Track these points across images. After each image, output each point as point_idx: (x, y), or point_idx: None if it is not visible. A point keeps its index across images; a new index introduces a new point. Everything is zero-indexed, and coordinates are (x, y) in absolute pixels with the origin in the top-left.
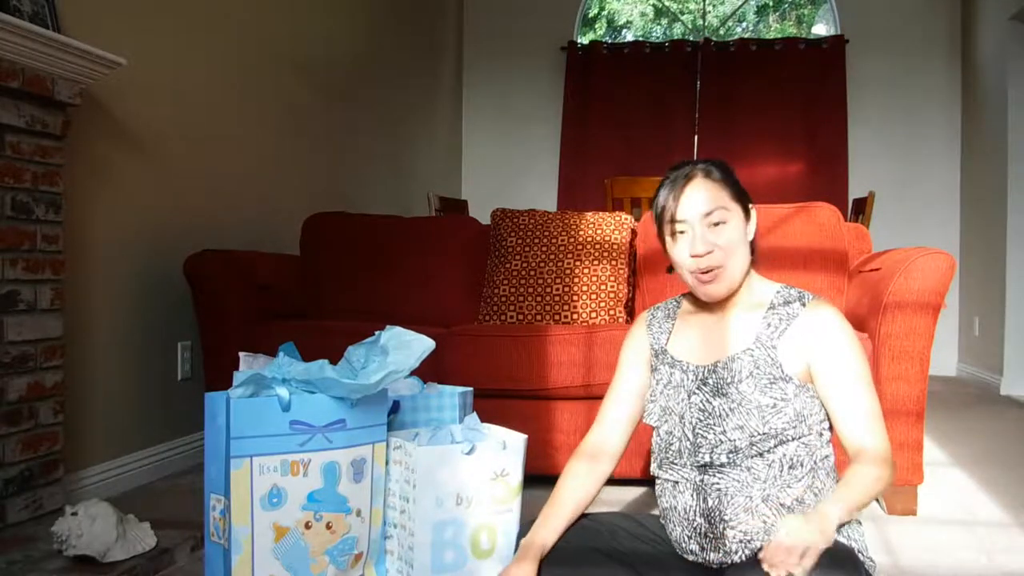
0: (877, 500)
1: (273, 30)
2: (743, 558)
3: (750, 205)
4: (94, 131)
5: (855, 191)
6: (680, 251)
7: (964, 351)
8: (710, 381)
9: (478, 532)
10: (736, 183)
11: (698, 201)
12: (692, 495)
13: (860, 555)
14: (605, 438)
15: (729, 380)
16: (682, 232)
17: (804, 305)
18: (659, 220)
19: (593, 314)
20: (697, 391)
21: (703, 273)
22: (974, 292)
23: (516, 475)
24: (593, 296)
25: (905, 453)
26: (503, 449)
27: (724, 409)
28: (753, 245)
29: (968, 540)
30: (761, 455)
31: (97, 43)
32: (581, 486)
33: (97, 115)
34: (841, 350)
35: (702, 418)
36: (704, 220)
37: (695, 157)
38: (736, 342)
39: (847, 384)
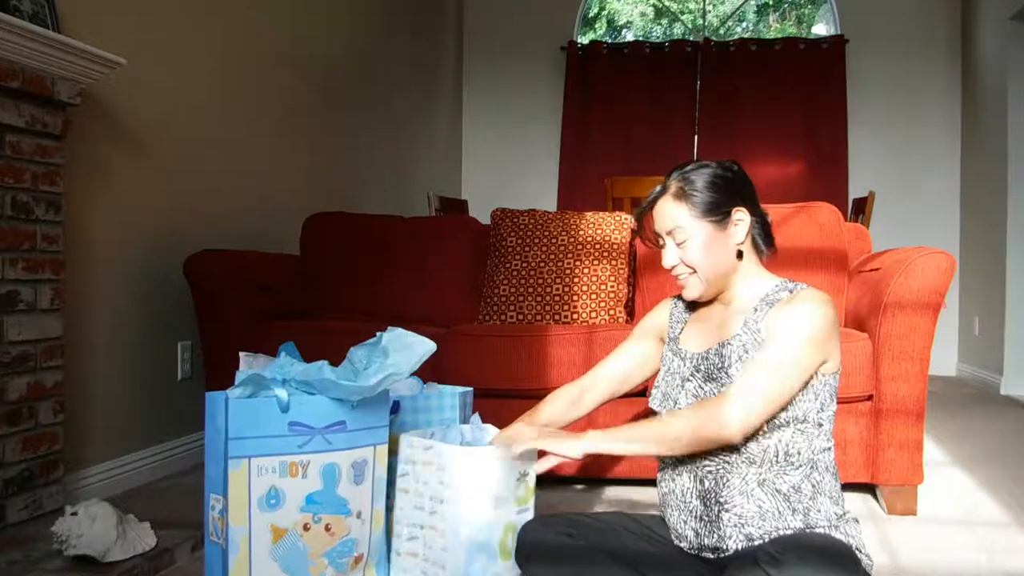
0: (877, 500)
1: (273, 30)
2: (738, 544)
3: (735, 210)
4: (94, 131)
5: (855, 191)
6: (662, 258)
7: (964, 351)
8: (702, 367)
9: (505, 533)
10: (711, 195)
11: (661, 219)
12: (689, 478)
13: (857, 552)
14: (595, 383)
15: (720, 365)
16: (663, 245)
17: (792, 293)
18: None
19: (593, 314)
20: (691, 378)
21: (677, 279)
22: (974, 292)
23: (533, 475)
24: (593, 296)
25: (905, 453)
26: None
27: (713, 393)
28: (758, 244)
29: (968, 540)
30: (756, 439)
31: (97, 43)
32: (568, 402)
33: (97, 115)
34: (783, 319)
35: (694, 402)
36: (670, 237)
37: (695, 157)
38: (729, 330)
39: (765, 349)
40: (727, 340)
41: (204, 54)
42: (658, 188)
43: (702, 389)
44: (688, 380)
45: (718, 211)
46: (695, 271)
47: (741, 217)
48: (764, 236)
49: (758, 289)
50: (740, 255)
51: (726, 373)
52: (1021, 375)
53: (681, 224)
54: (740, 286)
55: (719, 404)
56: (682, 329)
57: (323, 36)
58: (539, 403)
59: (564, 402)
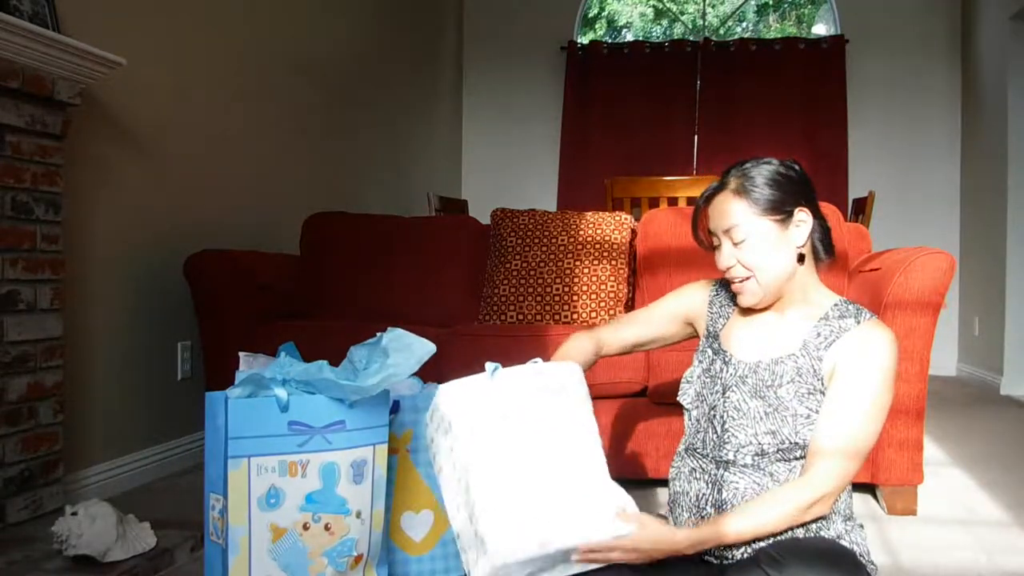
0: (877, 500)
1: (273, 30)
2: (744, 555)
3: (798, 210)
4: (94, 131)
5: (855, 191)
6: (715, 259)
7: (964, 351)
8: (750, 380)
9: None
10: (775, 192)
11: (719, 216)
12: (707, 484)
13: (862, 559)
14: (611, 343)
15: (770, 383)
16: (716, 244)
17: (859, 323)
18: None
19: (593, 314)
20: (735, 388)
21: (733, 282)
22: (974, 292)
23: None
24: (593, 296)
25: (905, 453)
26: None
27: (760, 412)
28: (816, 249)
29: (968, 540)
30: (786, 461)
31: (97, 43)
32: (584, 354)
33: (97, 115)
34: (862, 368)
35: (736, 416)
36: (727, 236)
37: (695, 157)
38: (783, 345)
39: (844, 399)
40: (780, 357)
41: (204, 54)
42: (715, 184)
43: (746, 403)
44: (731, 390)
45: (780, 209)
46: (752, 274)
47: (804, 218)
48: (824, 243)
49: (816, 304)
50: (801, 259)
51: (775, 393)
52: (1021, 375)
53: (739, 222)
54: (796, 295)
55: (825, 476)
56: (724, 324)
57: (323, 36)
58: (562, 347)
59: (581, 354)
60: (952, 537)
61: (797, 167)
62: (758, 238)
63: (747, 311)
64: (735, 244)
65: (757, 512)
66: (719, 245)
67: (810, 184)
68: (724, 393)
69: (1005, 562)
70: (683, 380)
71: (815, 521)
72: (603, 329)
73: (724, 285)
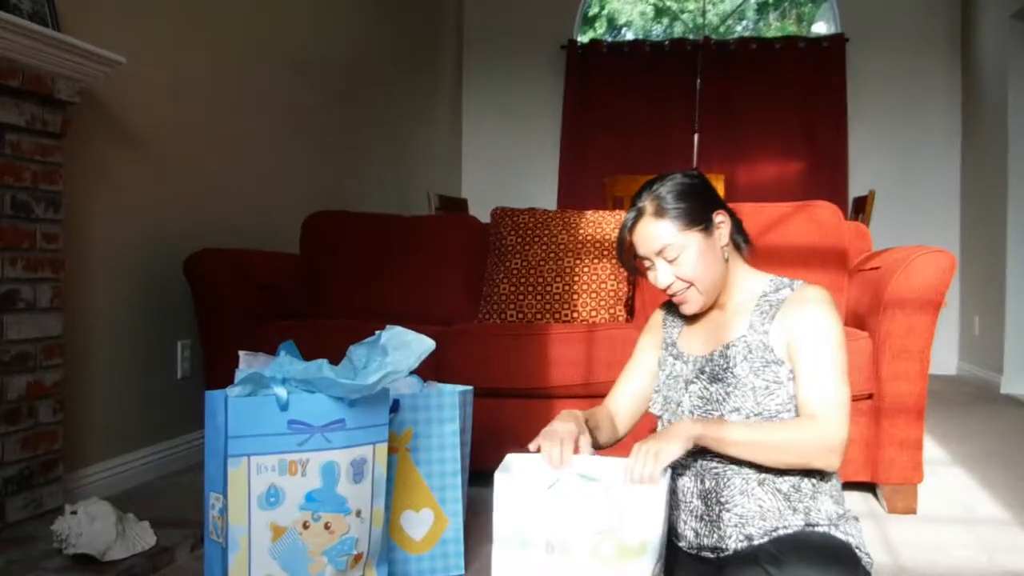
0: (877, 498)
1: (273, 30)
2: (738, 544)
3: (715, 213)
4: (94, 130)
5: (855, 190)
6: (652, 280)
7: (964, 350)
8: (707, 369)
9: None
10: (688, 204)
11: (647, 241)
12: (690, 477)
13: (857, 551)
14: (616, 409)
15: (725, 366)
16: (648, 267)
17: (793, 289)
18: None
19: (593, 312)
20: (695, 380)
21: (674, 296)
22: (974, 291)
23: None
24: (593, 295)
25: (905, 451)
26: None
27: (721, 393)
28: (738, 242)
29: (968, 539)
30: None
31: (97, 42)
32: (610, 422)
33: (97, 114)
34: (810, 324)
35: (700, 404)
36: (660, 257)
37: (695, 155)
38: (733, 332)
39: (810, 357)
40: (731, 341)
41: (204, 54)
42: (632, 213)
43: (707, 390)
44: (692, 382)
45: (701, 219)
46: (692, 284)
47: (722, 220)
48: (741, 234)
49: (753, 288)
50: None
51: (732, 373)
52: (1021, 374)
53: (670, 241)
54: (732, 287)
55: (823, 425)
56: (679, 333)
57: (323, 36)
58: (587, 413)
59: (608, 421)
60: (952, 536)
61: (696, 173)
62: (690, 251)
63: (693, 316)
64: (670, 262)
65: (761, 426)
66: (651, 267)
67: (712, 187)
68: (687, 388)
69: (1005, 561)
70: (653, 391)
71: (802, 503)
72: (605, 404)
73: (671, 303)
